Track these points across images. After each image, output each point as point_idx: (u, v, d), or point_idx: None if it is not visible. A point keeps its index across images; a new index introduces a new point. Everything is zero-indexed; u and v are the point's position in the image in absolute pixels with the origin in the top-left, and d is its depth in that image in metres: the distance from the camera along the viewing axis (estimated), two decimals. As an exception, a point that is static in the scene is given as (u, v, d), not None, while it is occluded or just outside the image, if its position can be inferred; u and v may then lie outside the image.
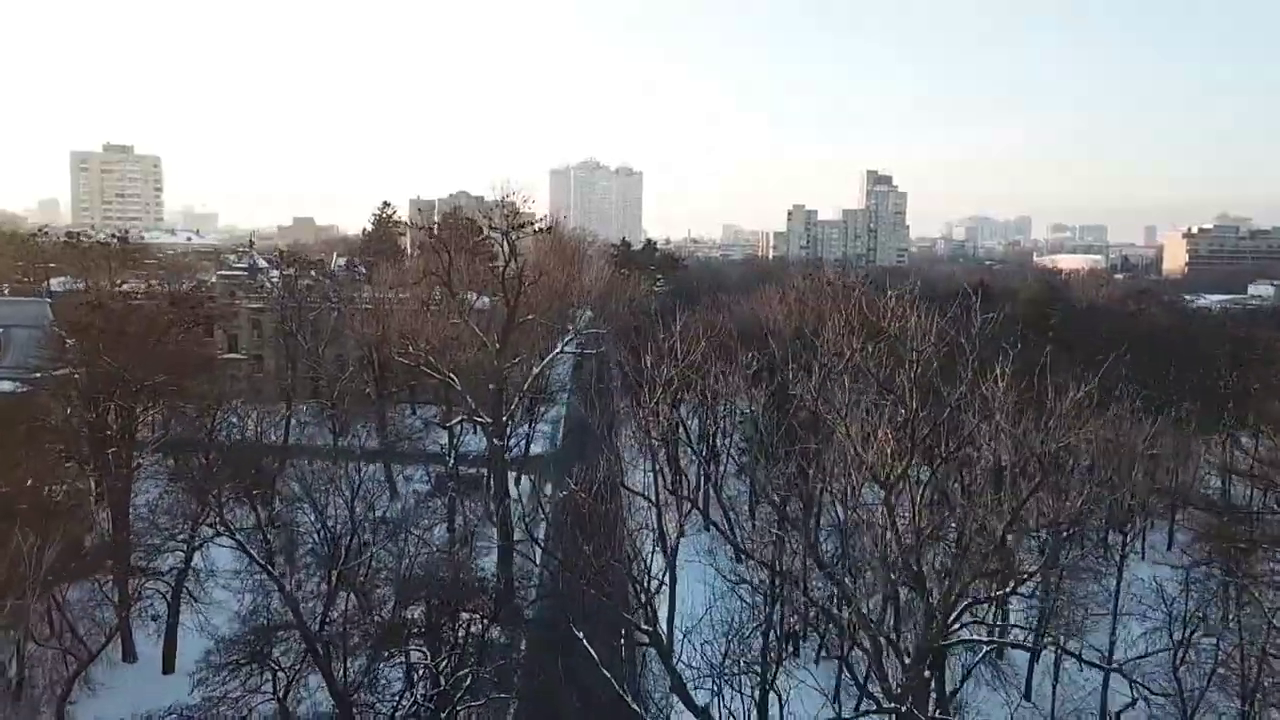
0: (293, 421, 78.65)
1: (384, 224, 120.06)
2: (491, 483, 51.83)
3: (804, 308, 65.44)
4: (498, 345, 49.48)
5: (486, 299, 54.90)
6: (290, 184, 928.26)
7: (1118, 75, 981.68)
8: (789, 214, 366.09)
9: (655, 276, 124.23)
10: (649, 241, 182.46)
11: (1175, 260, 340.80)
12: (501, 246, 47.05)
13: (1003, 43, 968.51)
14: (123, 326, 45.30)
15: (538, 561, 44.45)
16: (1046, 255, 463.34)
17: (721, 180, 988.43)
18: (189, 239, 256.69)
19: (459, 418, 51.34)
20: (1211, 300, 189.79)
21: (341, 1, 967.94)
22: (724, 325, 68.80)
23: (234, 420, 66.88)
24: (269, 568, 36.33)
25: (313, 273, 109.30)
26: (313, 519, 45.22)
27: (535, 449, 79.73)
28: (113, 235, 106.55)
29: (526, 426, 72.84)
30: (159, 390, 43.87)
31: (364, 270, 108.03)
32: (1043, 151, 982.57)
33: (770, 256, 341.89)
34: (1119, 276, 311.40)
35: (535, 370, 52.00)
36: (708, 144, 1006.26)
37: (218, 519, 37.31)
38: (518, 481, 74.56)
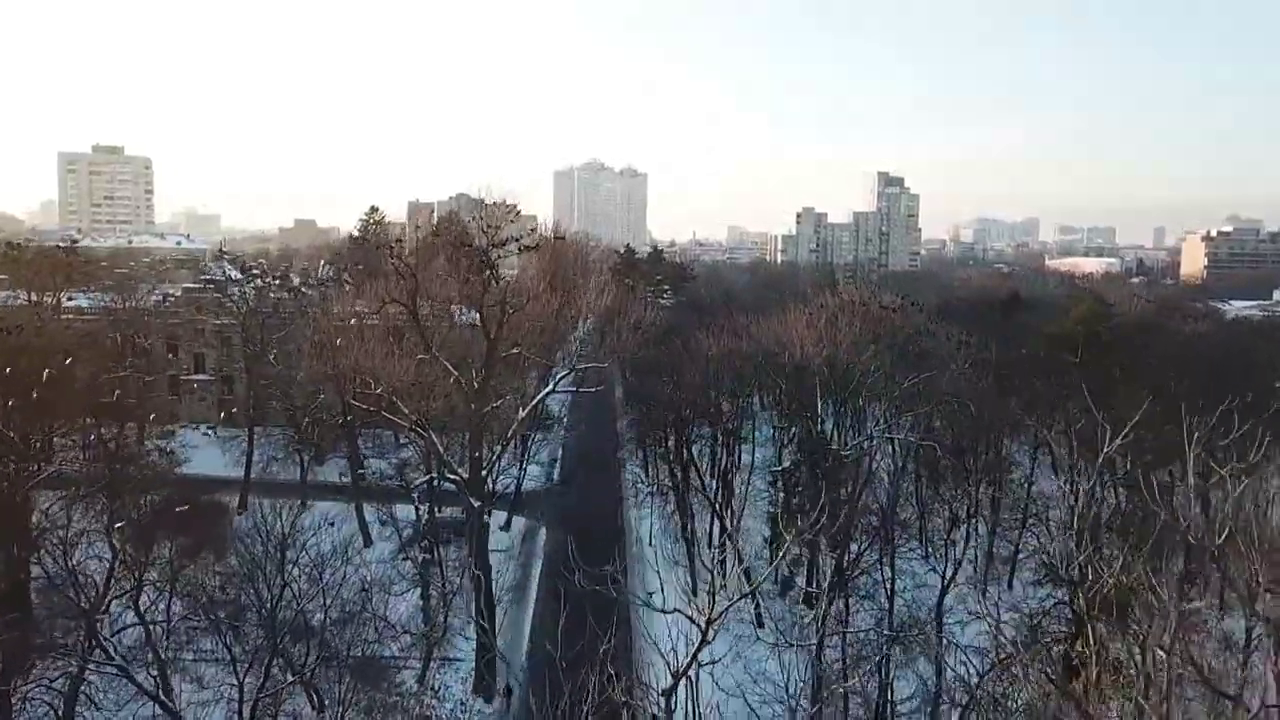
0: (256, 455, 70.37)
1: (371, 230, 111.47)
2: (472, 547, 43.18)
3: (835, 331, 56.74)
4: (475, 384, 40.94)
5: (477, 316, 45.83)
6: (294, 185, 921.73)
7: (1118, 75, 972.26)
8: (798, 216, 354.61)
9: (662, 288, 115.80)
10: (655, 249, 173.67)
11: (1194, 264, 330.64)
12: (481, 268, 38.55)
13: (1003, 43, 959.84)
14: (12, 362, 36.71)
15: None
16: (1058, 258, 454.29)
17: (723, 181, 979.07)
18: (179, 243, 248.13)
19: (427, 476, 42.71)
20: (1240, 306, 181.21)
21: (346, 1, 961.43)
22: (744, 350, 60.29)
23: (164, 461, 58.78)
24: (166, 703, 27.82)
25: (295, 281, 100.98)
26: (252, 598, 37.21)
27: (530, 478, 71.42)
28: (58, 244, 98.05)
29: (519, 465, 64.32)
30: (50, 446, 35.31)
31: (350, 280, 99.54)
32: (1044, 152, 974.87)
33: (779, 260, 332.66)
34: (1135, 280, 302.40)
35: (521, 414, 43.45)
36: (708, 144, 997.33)
37: (90, 639, 28.55)
38: (507, 525, 66.08)
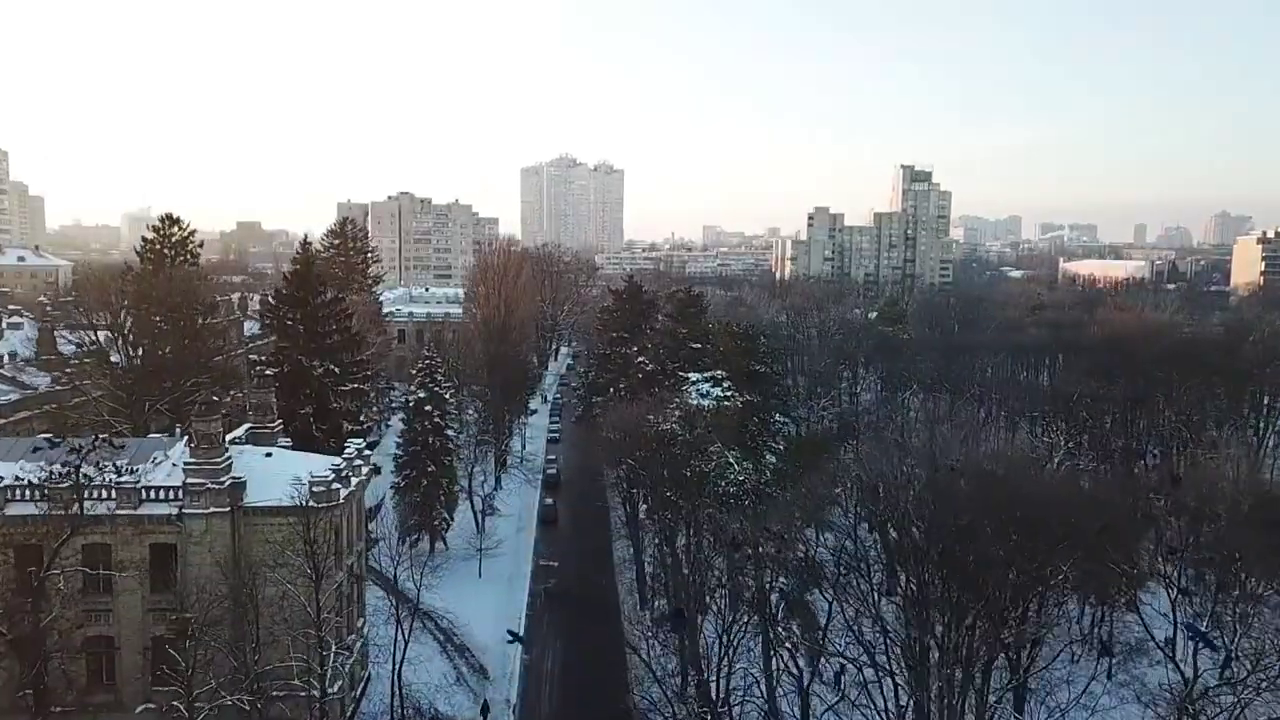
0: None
1: (306, 268, 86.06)
2: None
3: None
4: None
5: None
6: (242, 183, 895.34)
7: (1092, 76, 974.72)
8: (810, 218, 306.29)
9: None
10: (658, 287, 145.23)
11: (1247, 269, 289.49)
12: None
13: (979, 44, 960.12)
14: None
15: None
16: (1077, 259, 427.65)
17: (701, 179, 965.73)
18: (20, 259, 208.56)
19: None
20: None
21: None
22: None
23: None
24: None
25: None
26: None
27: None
28: None
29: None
30: None
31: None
32: (1026, 152, 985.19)
33: (787, 270, 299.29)
34: (1170, 287, 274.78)
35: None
36: (686, 140, 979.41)
37: None
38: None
